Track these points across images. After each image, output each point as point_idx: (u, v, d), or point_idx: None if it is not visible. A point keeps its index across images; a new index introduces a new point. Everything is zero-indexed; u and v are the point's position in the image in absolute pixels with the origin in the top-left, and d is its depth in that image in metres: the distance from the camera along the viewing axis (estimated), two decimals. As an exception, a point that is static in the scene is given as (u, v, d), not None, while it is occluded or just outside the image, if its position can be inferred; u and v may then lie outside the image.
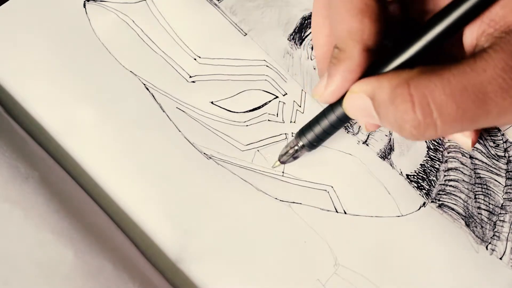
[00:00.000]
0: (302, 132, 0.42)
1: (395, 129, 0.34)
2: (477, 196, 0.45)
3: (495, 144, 0.46)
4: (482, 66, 0.32)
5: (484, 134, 0.46)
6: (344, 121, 0.39)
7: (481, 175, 0.46)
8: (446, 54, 0.39)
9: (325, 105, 0.40)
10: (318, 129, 0.41)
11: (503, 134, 0.46)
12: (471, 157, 0.46)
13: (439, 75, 0.32)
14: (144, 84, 0.46)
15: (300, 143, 0.42)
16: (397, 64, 0.35)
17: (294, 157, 0.44)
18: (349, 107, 0.37)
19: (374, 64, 0.36)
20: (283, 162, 0.44)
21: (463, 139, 0.42)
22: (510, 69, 0.31)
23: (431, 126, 0.33)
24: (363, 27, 0.35)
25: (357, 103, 0.36)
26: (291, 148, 0.43)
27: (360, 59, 0.36)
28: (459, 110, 0.32)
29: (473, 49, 0.35)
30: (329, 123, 0.40)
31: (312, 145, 0.42)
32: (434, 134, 0.33)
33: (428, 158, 0.46)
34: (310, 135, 0.41)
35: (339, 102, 0.38)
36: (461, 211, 0.44)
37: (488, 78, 0.31)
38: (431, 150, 0.46)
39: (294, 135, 0.46)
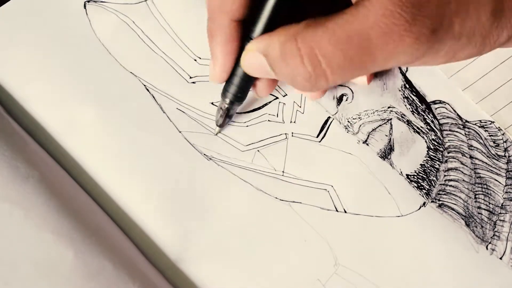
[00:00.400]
0: (225, 90, 0.42)
1: (290, 83, 0.35)
2: (477, 196, 0.45)
3: (495, 144, 0.46)
4: (364, 13, 0.32)
5: (484, 134, 0.46)
6: None
7: (481, 175, 0.46)
8: (336, 8, 0.39)
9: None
10: (236, 80, 0.41)
11: (503, 134, 0.46)
12: (471, 157, 0.46)
13: (324, 26, 0.32)
14: (145, 85, 0.46)
15: (227, 100, 0.42)
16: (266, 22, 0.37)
17: (229, 116, 0.44)
18: (246, 65, 0.38)
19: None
20: (220, 126, 0.45)
21: (359, 78, 0.43)
22: (390, 13, 0.31)
23: (321, 76, 0.33)
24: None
25: (253, 61, 0.37)
26: (220, 109, 0.44)
27: (230, 29, 0.38)
28: (346, 58, 0.32)
29: None
30: (243, 71, 0.40)
31: (237, 97, 0.42)
32: (325, 84, 0.34)
33: (428, 158, 0.46)
34: (232, 89, 0.42)
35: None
36: (461, 211, 0.44)
37: (370, 25, 0.31)
38: (431, 150, 0.46)
39: (293, 135, 0.46)
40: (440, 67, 0.48)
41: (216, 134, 0.46)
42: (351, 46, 0.32)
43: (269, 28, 0.36)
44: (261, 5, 0.37)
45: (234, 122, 0.46)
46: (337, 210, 0.44)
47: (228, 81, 0.41)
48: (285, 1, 0.36)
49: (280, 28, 0.35)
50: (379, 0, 0.32)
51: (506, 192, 0.45)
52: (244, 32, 0.38)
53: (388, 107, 0.47)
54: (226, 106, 0.43)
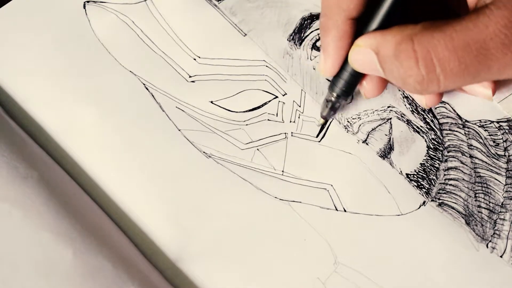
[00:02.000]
0: (332, 83, 0.43)
1: (400, 84, 0.36)
2: (477, 195, 0.45)
3: (495, 143, 0.46)
4: (484, 22, 0.32)
5: (484, 134, 0.46)
6: None
7: (481, 174, 0.45)
8: (449, 10, 0.39)
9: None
10: (345, 75, 0.41)
11: (503, 133, 0.46)
12: (471, 156, 0.46)
13: (442, 31, 0.33)
14: (144, 84, 0.46)
15: (334, 94, 0.43)
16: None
17: (333, 109, 0.44)
18: (354, 60, 0.39)
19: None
20: (325, 118, 0.45)
21: (483, 90, 0.42)
22: (511, 25, 0.32)
23: (434, 81, 0.34)
24: None
25: (362, 57, 0.38)
26: (326, 101, 0.44)
27: (345, 26, 0.38)
28: (461, 65, 0.33)
29: (475, 5, 0.36)
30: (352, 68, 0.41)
31: (344, 91, 0.42)
32: (437, 88, 0.34)
33: (428, 157, 0.46)
34: (340, 83, 0.42)
35: None
36: (461, 209, 0.44)
37: (490, 34, 0.32)
38: (431, 149, 0.46)
39: (293, 134, 0.46)
40: None
41: (319, 126, 0.46)
42: (468, 53, 0.32)
43: (383, 26, 0.37)
44: (377, 4, 0.37)
45: (233, 121, 0.46)
46: (336, 209, 0.44)
47: (337, 76, 0.42)
48: (402, 1, 0.37)
49: (395, 27, 0.35)
50: (501, 11, 0.32)
51: (506, 191, 0.45)
52: (357, 30, 0.39)
53: (388, 107, 0.47)
54: (333, 99, 0.43)
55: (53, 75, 0.46)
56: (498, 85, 0.43)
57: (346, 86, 0.42)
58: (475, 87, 0.42)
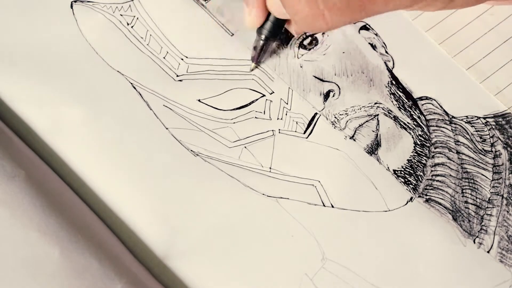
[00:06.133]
0: (259, 28, 0.45)
1: (294, 24, 0.38)
2: (464, 191, 0.45)
3: (481, 139, 0.47)
4: None
5: (471, 130, 0.47)
6: None
7: (468, 170, 0.46)
8: None
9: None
10: (270, 18, 0.44)
11: (490, 129, 0.47)
12: (458, 152, 0.46)
13: None
14: (131, 83, 0.46)
15: (262, 36, 0.45)
16: None
17: (264, 51, 0.46)
18: (269, 7, 0.42)
19: None
20: (256, 62, 0.47)
21: None
22: None
23: (319, 17, 0.34)
24: None
25: (274, 3, 0.40)
26: (255, 46, 0.46)
27: None
28: (343, 0, 0.33)
29: None
30: None
31: (271, 32, 0.45)
32: (325, 25, 0.35)
33: (415, 154, 0.46)
34: (267, 25, 0.44)
35: None
36: (448, 205, 0.44)
37: None
38: (418, 146, 0.46)
39: (280, 131, 0.46)
40: (443, 45, 0.49)
41: (251, 71, 0.47)
42: None
43: None
44: None
45: (221, 119, 0.46)
46: (324, 205, 0.44)
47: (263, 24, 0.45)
48: None
49: None
50: None
51: (493, 187, 0.45)
52: None
53: (375, 103, 0.47)
54: (262, 42, 0.45)
55: (40, 75, 0.46)
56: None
57: (273, 27, 0.44)
58: None
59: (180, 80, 0.47)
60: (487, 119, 0.47)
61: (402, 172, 0.45)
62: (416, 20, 0.52)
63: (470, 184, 0.45)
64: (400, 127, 0.46)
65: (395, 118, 0.47)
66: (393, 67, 0.49)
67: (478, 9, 0.52)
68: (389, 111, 0.47)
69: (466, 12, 0.50)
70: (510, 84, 0.49)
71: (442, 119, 0.47)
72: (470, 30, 0.52)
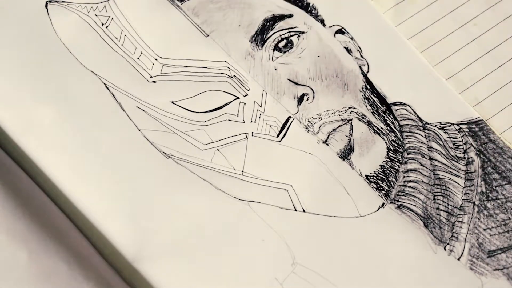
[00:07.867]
0: None
1: None
2: (436, 197, 0.45)
3: (454, 146, 0.47)
4: None
5: (444, 136, 0.47)
6: None
7: (441, 176, 0.46)
8: None
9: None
10: None
11: (463, 136, 0.47)
12: (430, 158, 0.46)
13: None
14: (105, 84, 0.46)
15: None
16: None
17: None
18: None
19: None
20: None
21: None
22: None
23: None
24: None
25: None
26: None
27: None
28: None
29: None
30: None
31: None
32: None
33: (388, 159, 0.46)
34: None
35: None
36: (419, 212, 0.44)
37: None
38: (391, 151, 0.46)
39: (254, 134, 0.46)
40: (425, 53, 0.50)
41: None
42: None
43: None
44: None
45: (194, 121, 0.46)
46: (296, 210, 0.44)
47: None
48: None
49: None
50: None
51: (464, 194, 0.45)
52: None
53: (349, 108, 0.47)
54: None
55: (13, 75, 0.46)
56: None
57: None
58: None
59: (154, 82, 0.47)
60: (461, 126, 0.47)
61: (374, 178, 0.45)
62: (399, 27, 0.52)
63: (442, 191, 0.45)
64: (374, 132, 0.46)
65: (369, 123, 0.47)
66: (368, 71, 0.48)
67: (462, 18, 0.52)
68: (363, 116, 0.47)
69: (449, 21, 0.51)
70: (489, 96, 0.50)
71: (415, 125, 0.47)
72: (453, 39, 0.52)
